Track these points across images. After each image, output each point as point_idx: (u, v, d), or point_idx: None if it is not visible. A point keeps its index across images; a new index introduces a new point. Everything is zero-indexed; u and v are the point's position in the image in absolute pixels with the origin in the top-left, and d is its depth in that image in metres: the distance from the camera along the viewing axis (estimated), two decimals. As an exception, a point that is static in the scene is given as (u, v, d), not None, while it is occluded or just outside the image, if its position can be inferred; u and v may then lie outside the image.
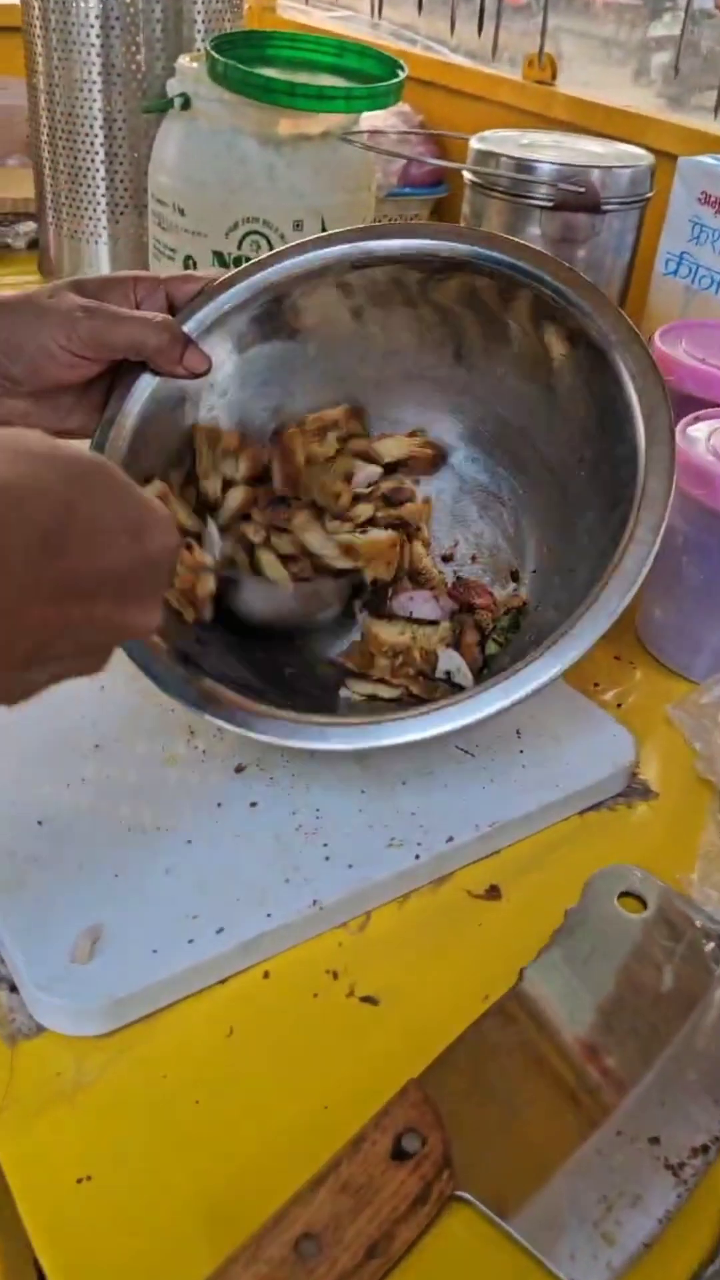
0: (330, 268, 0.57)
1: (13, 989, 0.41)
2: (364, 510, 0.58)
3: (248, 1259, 0.32)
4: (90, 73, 0.97)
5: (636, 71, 1.24)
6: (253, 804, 0.48)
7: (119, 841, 0.45)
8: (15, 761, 0.49)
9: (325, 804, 0.48)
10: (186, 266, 0.90)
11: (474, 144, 0.88)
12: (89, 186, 1.03)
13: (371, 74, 0.90)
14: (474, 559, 0.60)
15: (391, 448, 0.60)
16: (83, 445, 0.49)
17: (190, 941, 0.42)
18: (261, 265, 0.57)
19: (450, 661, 0.54)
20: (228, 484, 0.57)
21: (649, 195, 0.88)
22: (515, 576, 0.58)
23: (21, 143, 1.21)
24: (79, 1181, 0.36)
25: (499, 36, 1.19)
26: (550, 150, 0.87)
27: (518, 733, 0.53)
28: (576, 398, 0.54)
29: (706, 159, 0.85)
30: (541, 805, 0.49)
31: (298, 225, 0.88)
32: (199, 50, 0.93)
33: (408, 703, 0.52)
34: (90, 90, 0.98)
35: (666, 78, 1.17)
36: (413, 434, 0.61)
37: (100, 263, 1.06)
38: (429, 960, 0.44)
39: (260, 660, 0.54)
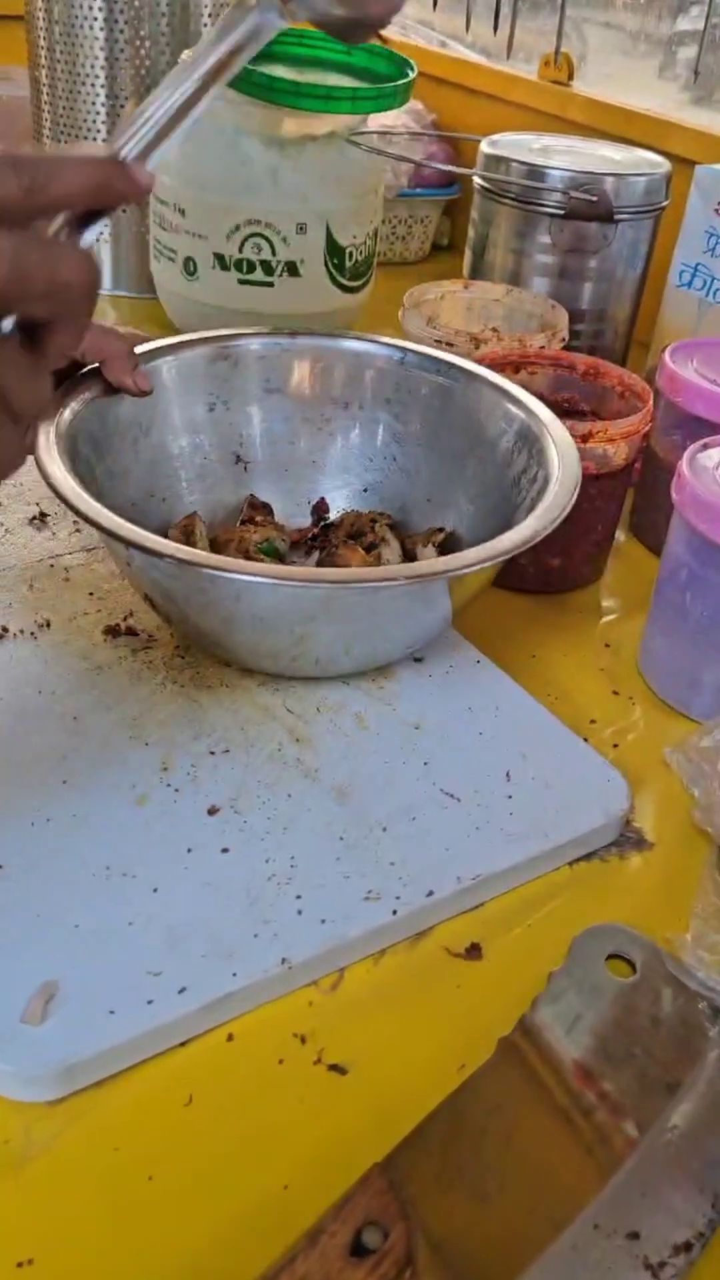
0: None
1: (-36, 1045, 0.39)
2: None
3: None
4: (93, 66, 0.95)
5: (662, 65, 1.21)
6: (224, 850, 0.46)
7: (81, 889, 0.43)
8: (-21, 797, 0.47)
9: (301, 851, 0.46)
10: (187, 269, 0.88)
11: (484, 148, 0.85)
12: (91, 182, 1.00)
13: (381, 73, 0.88)
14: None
15: None
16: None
17: (150, 1002, 0.39)
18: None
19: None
20: None
21: (664, 204, 0.85)
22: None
23: (28, 133, 1.18)
24: (19, 1265, 0.34)
25: (516, 34, 1.16)
26: (563, 156, 0.84)
27: (507, 775, 0.51)
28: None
29: (724, 168, 0.82)
30: (529, 857, 0.47)
31: (301, 228, 0.85)
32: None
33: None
34: (93, 85, 0.96)
35: (692, 71, 1.13)
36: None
37: (102, 262, 1.04)
38: (403, 1025, 0.42)
39: None
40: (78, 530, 0.66)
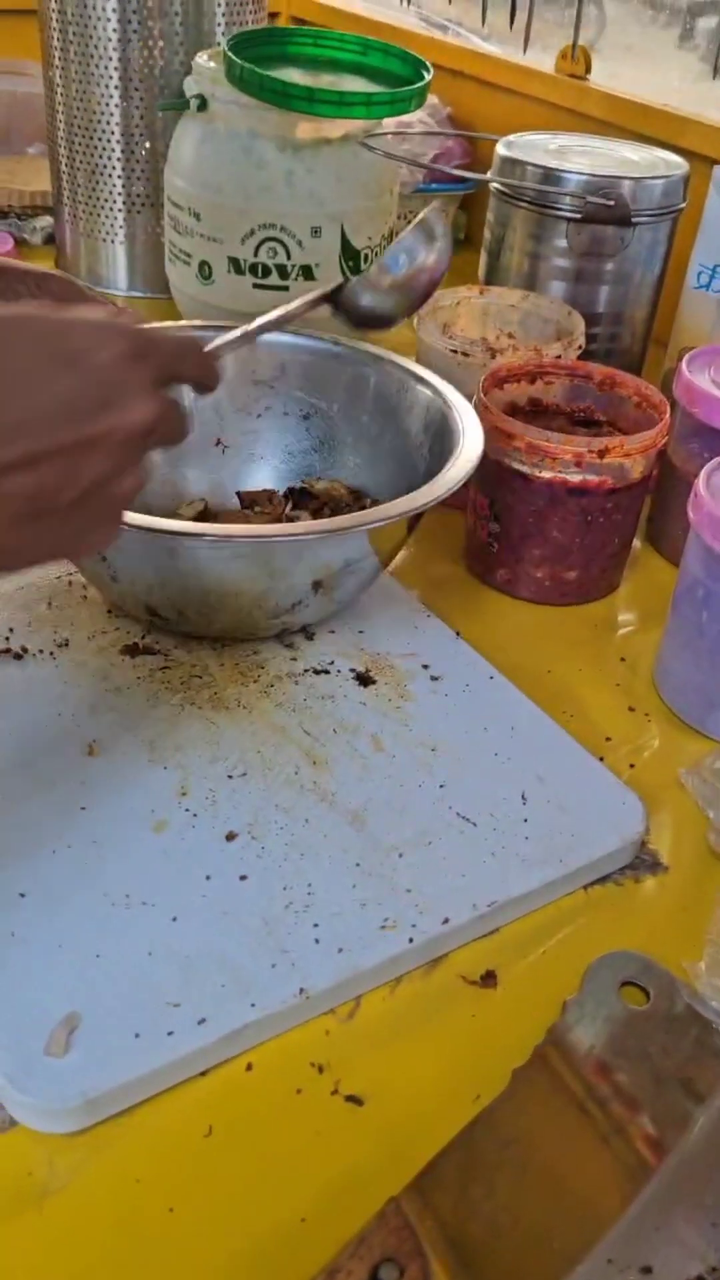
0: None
1: (-12, 1074, 0.40)
2: None
3: None
4: (107, 67, 0.95)
5: (681, 35, 1.20)
6: (242, 877, 0.46)
7: (102, 918, 0.44)
8: (5, 824, 0.48)
9: (318, 878, 0.46)
10: (202, 273, 0.88)
11: (500, 150, 0.84)
12: (105, 183, 1.00)
13: (396, 73, 0.87)
14: None
15: None
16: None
17: (170, 1033, 0.40)
18: None
19: None
20: None
21: (682, 206, 0.84)
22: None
23: (41, 131, 1.18)
24: (44, 1296, 0.35)
25: (533, 25, 1.15)
26: (580, 158, 0.84)
27: (523, 798, 0.51)
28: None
29: (743, 169, 0.81)
30: (545, 882, 0.47)
31: (316, 232, 0.85)
32: (218, 47, 0.89)
33: None
34: (107, 85, 0.95)
35: (712, 42, 1.12)
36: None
37: (117, 263, 1.04)
38: (418, 1054, 0.42)
39: None
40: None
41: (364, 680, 0.57)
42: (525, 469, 0.63)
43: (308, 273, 0.86)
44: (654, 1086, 0.41)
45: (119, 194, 1.00)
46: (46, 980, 0.41)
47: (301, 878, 0.46)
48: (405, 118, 1.09)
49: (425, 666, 0.59)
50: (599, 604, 0.69)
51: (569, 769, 0.53)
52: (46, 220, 1.12)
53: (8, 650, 0.57)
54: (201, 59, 0.86)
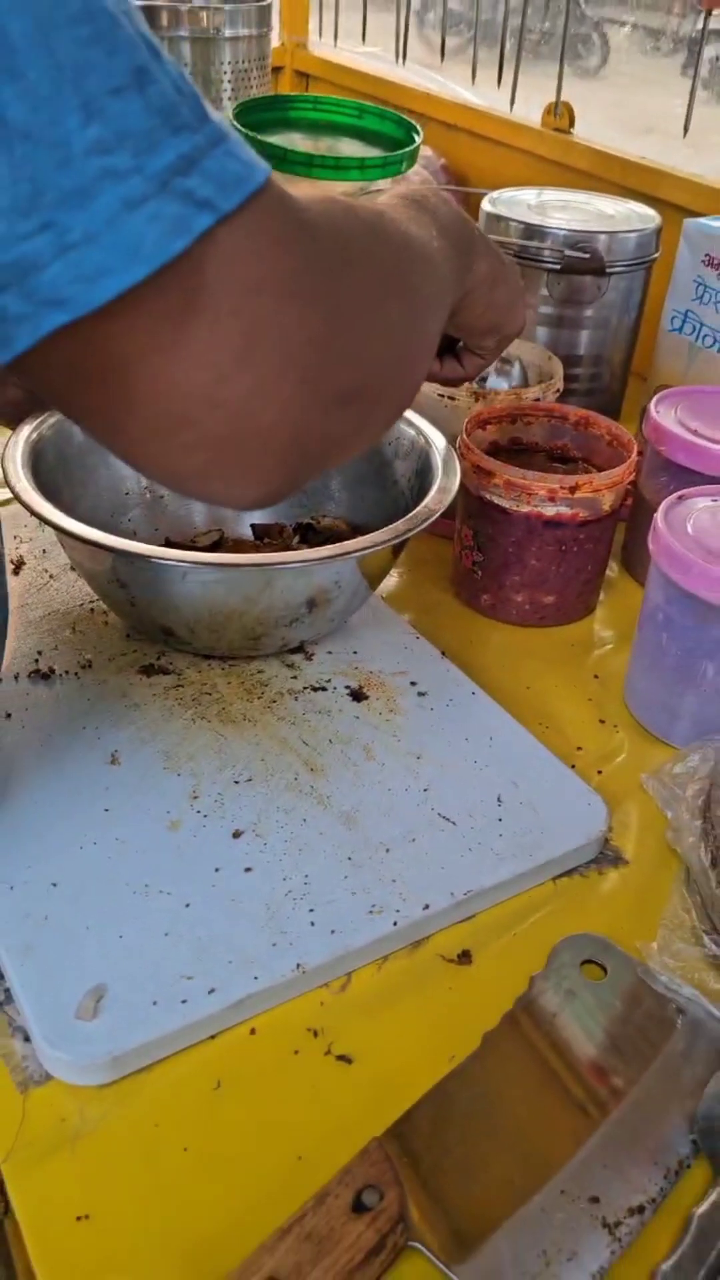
0: None
1: (26, 1038, 0.46)
2: None
3: (220, 1299, 0.37)
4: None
5: (685, 64, 1.25)
6: (247, 869, 0.52)
7: (124, 904, 0.50)
8: (39, 823, 0.54)
9: (314, 870, 0.52)
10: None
11: (485, 206, 0.91)
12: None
13: (390, 135, 0.94)
14: None
15: None
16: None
17: (184, 1002, 0.46)
18: None
19: None
20: None
21: (655, 256, 0.91)
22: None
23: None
24: (78, 1219, 0.41)
25: (525, 79, 1.22)
26: (559, 213, 0.90)
27: (498, 800, 0.57)
28: None
29: (709, 222, 0.88)
30: (516, 874, 0.53)
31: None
32: (225, 113, 0.96)
33: None
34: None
35: (716, 70, 1.17)
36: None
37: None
38: (402, 1021, 0.48)
39: None
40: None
41: (357, 696, 0.64)
42: (505, 503, 0.70)
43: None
44: (608, 1047, 0.47)
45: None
46: (77, 957, 0.48)
47: (299, 870, 0.52)
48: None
49: (413, 684, 0.65)
50: (576, 625, 0.75)
51: (541, 775, 0.59)
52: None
53: (37, 670, 0.64)
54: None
